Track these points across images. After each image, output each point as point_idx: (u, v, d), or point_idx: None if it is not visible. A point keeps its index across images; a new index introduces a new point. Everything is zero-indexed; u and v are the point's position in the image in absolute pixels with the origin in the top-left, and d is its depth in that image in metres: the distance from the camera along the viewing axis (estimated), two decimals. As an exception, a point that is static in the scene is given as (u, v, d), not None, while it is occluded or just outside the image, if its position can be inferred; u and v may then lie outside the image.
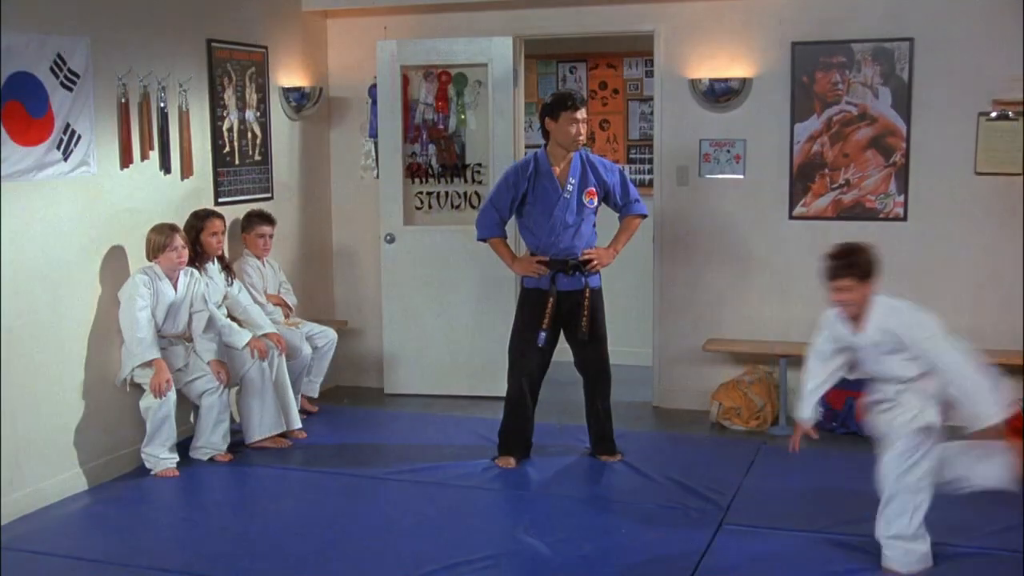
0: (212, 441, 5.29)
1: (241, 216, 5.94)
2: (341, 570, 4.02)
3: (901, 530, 3.89)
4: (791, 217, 6.04)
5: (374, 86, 6.61)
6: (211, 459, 5.29)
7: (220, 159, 5.85)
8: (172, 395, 5.02)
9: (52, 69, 4.67)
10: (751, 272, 6.14)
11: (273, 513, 4.72)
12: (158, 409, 5.00)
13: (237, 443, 5.47)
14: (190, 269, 5.23)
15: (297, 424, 5.69)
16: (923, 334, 3.88)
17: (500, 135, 6.45)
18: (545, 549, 4.16)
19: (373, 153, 6.72)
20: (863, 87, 5.83)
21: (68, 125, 4.77)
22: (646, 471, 5.10)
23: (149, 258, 5.10)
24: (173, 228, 5.13)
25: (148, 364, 4.97)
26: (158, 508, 4.80)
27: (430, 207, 6.70)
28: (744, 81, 6.00)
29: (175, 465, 5.12)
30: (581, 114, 5.04)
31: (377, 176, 6.70)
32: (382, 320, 6.71)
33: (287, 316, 6.00)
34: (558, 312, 5.09)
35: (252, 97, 6.11)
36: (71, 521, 4.62)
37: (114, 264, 5.09)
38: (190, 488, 5.00)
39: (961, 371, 3.80)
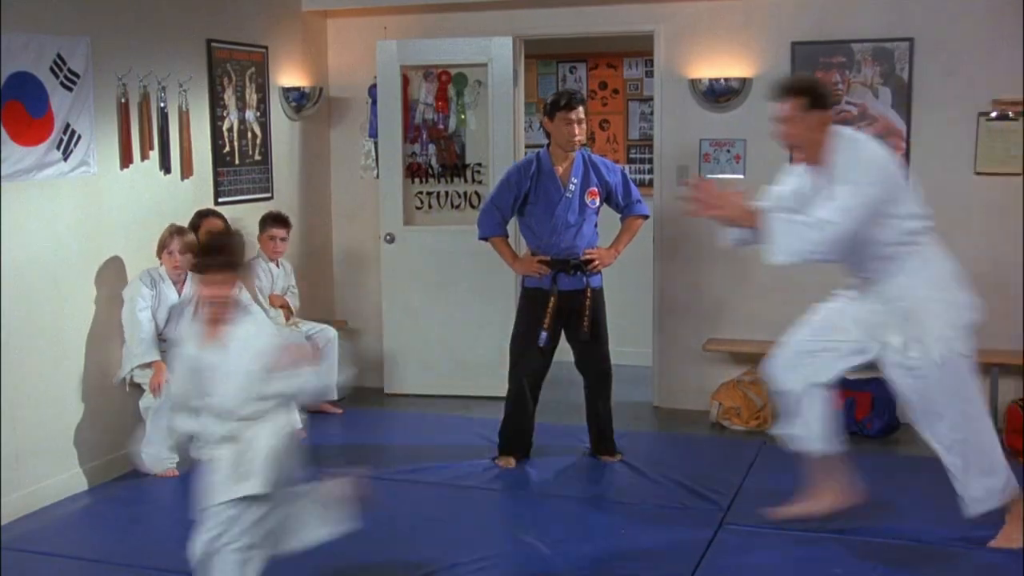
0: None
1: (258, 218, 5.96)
2: (341, 570, 4.02)
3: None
4: (791, 217, 6.03)
5: (374, 86, 6.61)
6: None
7: (220, 159, 5.85)
8: (172, 395, 5.02)
9: (52, 69, 4.67)
10: (751, 272, 6.13)
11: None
12: (158, 409, 5.00)
13: None
14: None
15: (297, 425, 5.67)
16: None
17: (500, 135, 6.45)
18: (545, 549, 4.16)
19: (373, 153, 6.72)
20: (863, 87, 5.83)
21: (68, 125, 4.77)
22: (646, 471, 5.10)
23: (157, 254, 5.11)
24: (179, 231, 5.11)
25: (148, 365, 4.97)
26: (158, 508, 4.80)
27: (430, 207, 6.70)
28: (744, 81, 6.00)
29: (175, 465, 5.11)
30: (576, 114, 5.01)
31: (377, 176, 6.70)
32: (382, 320, 6.71)
33: (287, 318, 6.00)
34: (559, 312, 5.09)
35: (252, 97, 6.11)
36: (71, 521, 4.62)
37: (114, 264, 5.09)
38: (190, 488, 4.99)
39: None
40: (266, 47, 6.23)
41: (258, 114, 6.18)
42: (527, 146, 6.72)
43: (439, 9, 6.49)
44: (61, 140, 4.73)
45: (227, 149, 5.92)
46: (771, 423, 5.87)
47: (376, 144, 6.67)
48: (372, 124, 6.69)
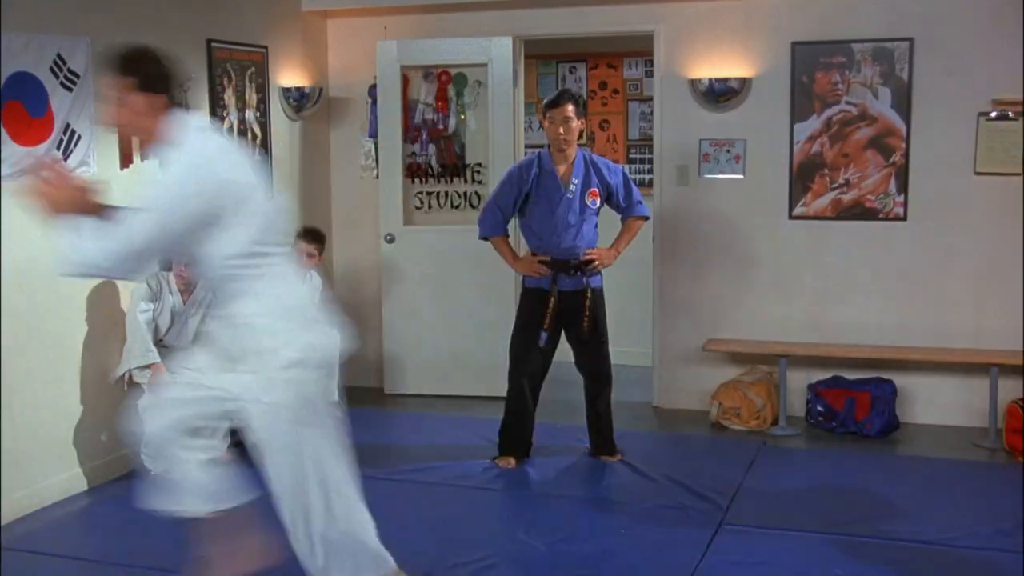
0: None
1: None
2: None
3: None
4: (791, 217, 6.04)
5: (374, 86, 6.61)
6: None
7: (220, 159, 5.85)
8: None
9: (52, 69, 4.67)
10: (751, 272, 6.14)
11: (273, 513, 4.69)
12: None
13: (237, 443, 5.45)
14: None
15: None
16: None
17: (500, 135, 6.45)
18: (545, 549, 4.16)
19: (373, 153, 6.72)
20: (863, 87, 5.83)
21: (68, 125, 4.77)
22: (646, 471, 5.10)
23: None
24: None
25: (147, 366, 4.97)
26: (158, 508, 4.80)
27: (430, 207, 6.70)
28: (744, 81, 6.00)
29: (175, 465, 5.11)
30: (561, 112, 4.96)
31: (377, 176, 6.70)
32: (382, 320, 6.71)
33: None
34: (559, 312, 5.09)
35: (252, 97, 6.11)
36: (71, 521, 4.62)
37: (114, 264, 5.09)
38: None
39: None
40: (266, 47, 6.23)
41: (258, 114, 6.18)
42: (527, 146, 6.72)
43: (439, 9, 6.49)
44: (61, 140, 4.73)
45: (227, 149, 5.91)
46: (771, 423, 5.89)
47: (376, 144, 6.67)
48: (372, 124, 6.69)
